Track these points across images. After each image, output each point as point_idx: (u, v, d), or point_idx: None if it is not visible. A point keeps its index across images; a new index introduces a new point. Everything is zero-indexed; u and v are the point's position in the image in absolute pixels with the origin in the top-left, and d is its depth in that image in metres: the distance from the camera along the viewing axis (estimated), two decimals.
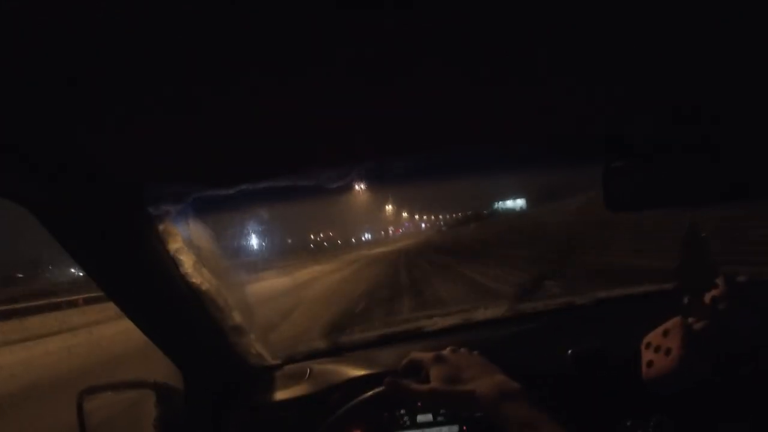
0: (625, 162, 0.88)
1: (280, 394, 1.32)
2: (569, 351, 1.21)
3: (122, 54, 0.51)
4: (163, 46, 0.50)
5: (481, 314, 1.59)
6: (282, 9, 0.47)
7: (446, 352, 0.98)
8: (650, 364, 0.95)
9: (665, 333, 0.94)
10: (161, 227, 1.03)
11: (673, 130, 0.89)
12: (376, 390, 1.16)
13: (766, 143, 0.84)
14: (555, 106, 0.83)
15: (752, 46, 0.65)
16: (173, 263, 1.06)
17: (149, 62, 0.53)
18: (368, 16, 0.49)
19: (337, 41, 0.54)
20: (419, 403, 1.20)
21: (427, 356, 0.97)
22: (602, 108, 0.85)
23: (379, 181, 1.20)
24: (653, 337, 0.97)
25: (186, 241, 1.09)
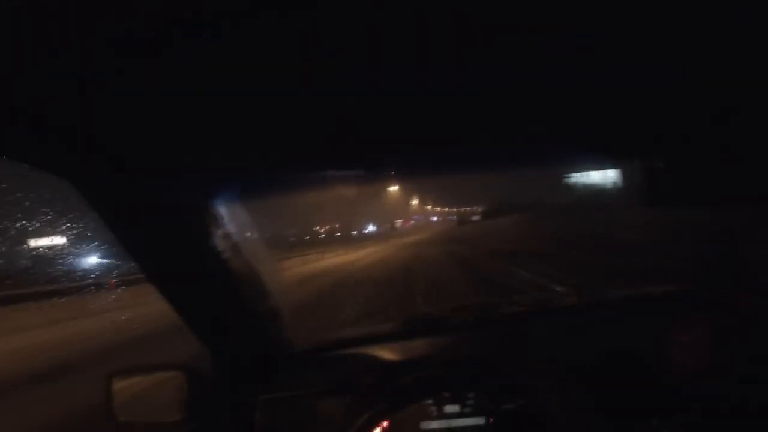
0: (663, 159, 0.88)
1: (309, 380, 1.34)
2: (598, 349, 1.21)
3: (166, 41, 0.52)
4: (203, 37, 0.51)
5: (509, 309, 1.59)
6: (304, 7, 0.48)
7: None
8: (682, 361, 0.95)
9: (692, 332, 0.94)
10: (203, 211, 1.05)
11: (704, 130, 0.88)
12: (405, 381, 1.18)
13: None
14: (595, 103, 0.82)
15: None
16: (213, 246, 1.09)
17: (192, 56, 0.54)
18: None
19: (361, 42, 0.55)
20: (447, 394, 1.21)
21: None
22: (643, 104, 0.84)
23: (407, 174, 1.21)
24: (679, 335, 0.96)
25: (226, 225, 1.11)
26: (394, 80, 0.68)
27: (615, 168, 1.25)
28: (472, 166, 1.27)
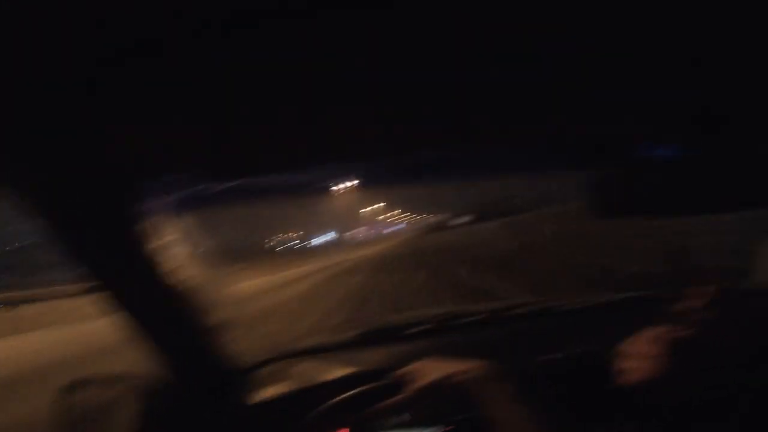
0: (612, 168, 0.90)
1: (264, 393, 1.32)
2: (552, 357, 1.23)
3: (115, 45, 0.51)
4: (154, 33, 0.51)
5: (467, 316, 1.59)
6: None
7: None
8: (627, 371, 0.96)
9: (643, 340, 0.96)
10: (151, 221, 1.02)
11: (664, 137, 0.91)
12: (358, 390, 1.17)
13: (759, 154, 0.85)
14: (542, 112, 0.84)
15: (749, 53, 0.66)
16: (162, 258, 1.06)
17: (142, 54, 0.53)
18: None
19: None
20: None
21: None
22: (591, 114, 0.86)
23: (369, 182, 1.21)
24: (631, 344, 0.98)
25: (176, 236, 1.08)
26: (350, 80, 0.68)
27: (578, 175, 1.27)
28: (433, 173, 1.28)
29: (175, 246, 1.08)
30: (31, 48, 0.48)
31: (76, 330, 11.68)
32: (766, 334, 0.89)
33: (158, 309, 1.12)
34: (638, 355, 0.96)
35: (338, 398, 1.23)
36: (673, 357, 0.90)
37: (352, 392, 1.23)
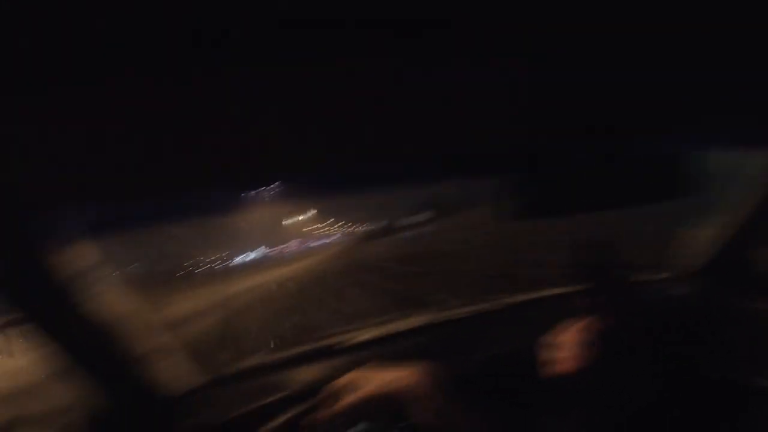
0: (518, 173, 0.93)
1: (209, 416, 1.28)
2: (475, 357, 1.26)
3: (37, 64, 0.48)
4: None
5: (395, 326, 1.61)
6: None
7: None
8: (553, 362, 1.01)
9: (563, 333, 1.00)
10: (72, 247, 0.97)
11: (567, 142, 0.95)
12: (303, 408, 1.15)
13: (657, 155, 0.92)
14: (452, 119, 0.86)
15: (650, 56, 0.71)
16: (86, 284, 1.01)
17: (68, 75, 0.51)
18: None
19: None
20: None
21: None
22: (498, 121, 0.89)
23: (293, 194, 1.19)
24: (552, 336, 1.03)
25: (95, 262, 1.03)
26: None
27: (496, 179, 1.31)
28: (359, 182, 1.28)
29: (95, 272, 1.02)
30: None
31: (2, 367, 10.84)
32: (676, 321, 0.95)
33: (84, 339, 1.06)
34: (562, 346, 1.00)
35: (276, 419, 1.21)
36: (594, 346, 0.94)
37: (291, 412, 1.21)
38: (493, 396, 1.20)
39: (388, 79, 0.67)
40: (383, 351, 1.49)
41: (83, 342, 1.06)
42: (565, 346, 1.00)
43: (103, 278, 1.05)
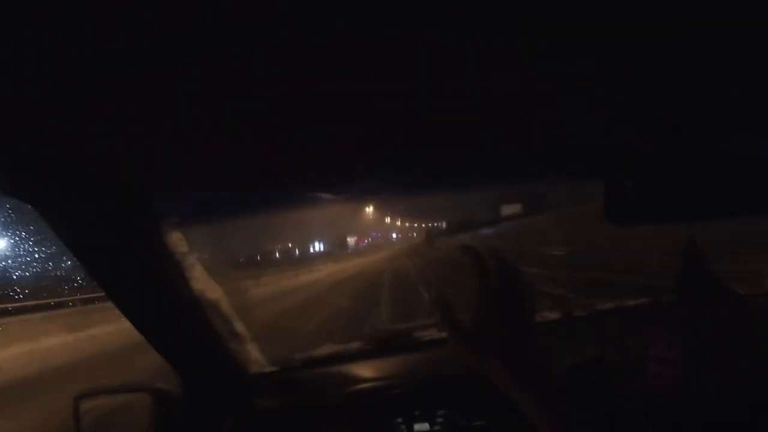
0: (628, 175, 0.89)
1: (279, 402, 1.32)
2: (565, 364, 1.22)
3: (132, 62, 0.51)
4: (172, 55, 0.51)
5: None
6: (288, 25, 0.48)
7: None
8: (654, 376, 0.95)
9: (668, 345, 0.95)
10: (168, 233, 1.03)
11: (677, 144, 0.90)
12: (374, 400, 1.17)
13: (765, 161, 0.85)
14: (557, 118, 0.83)
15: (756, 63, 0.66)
16: (177, 268, 1.07)
17: (159, 72, 0.54)
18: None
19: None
20: (417, 412, 1.21)
21: None
22: (607, 120, 0.86)
23: (382, 191, 1.21)
24: (656, 348, 0.97)
25: (191, 247, 1.09)
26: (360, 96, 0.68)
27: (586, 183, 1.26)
28: (441, 183, 1.28)
29: (187, 257, 1.08)
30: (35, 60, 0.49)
31: (91, 337, 11.90)
32: None
33: (171, 317, 1.13)
34: (661, 360, 0.95)
35: (349, 407, 1.23)
36: (695, 363, 0.89)
37: (363, 401, 1.23)
38: (576, 403, 1.16)
39: (481, 75, 0.66)
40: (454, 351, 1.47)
41: (170, 319, 1.13)
42: (665, 361, 0.94)
43: (191, 262, 1.11)
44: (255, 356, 1.37)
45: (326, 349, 1.56)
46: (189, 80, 0.58)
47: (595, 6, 0.50)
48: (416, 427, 1.21)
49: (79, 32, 0.45)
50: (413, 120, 0.79)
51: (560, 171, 1.20)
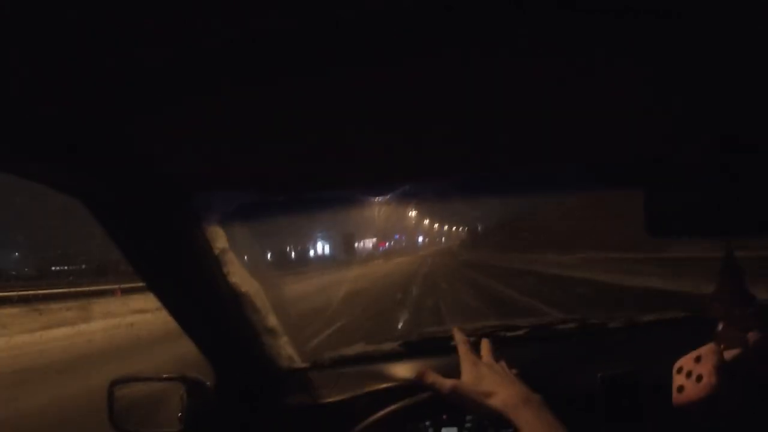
0: (669, 187, 0.88)
1: (308, 398, 1.34)
2: (598, 374, 1.20)
3: (179, 63, 0.53)
4: (218, 58, 0.52)
5: (509, 331, 1.57)
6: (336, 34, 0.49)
7: (478, 357, 1.02)
8: (681, 389, 0.94)
9: (698, 359, 0.93)
10: (207, 229, 1.06)
11: (720, 158, 0.89)
12: (403, 402, 1.17)
13: None
14: (599, 129, 0.83)
15: None
16: (216, 263, 1.10)
17: (205, 74, 0.56)
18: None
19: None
20: (444, 416, 1.21)
21: (462, 356, 1.08)
22: (648, 132, 0.85)
23: (420, 197, 1.22)
24: (685, 362, 0.96)
25: (230, 244, 1.12)
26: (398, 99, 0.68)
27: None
28: (479, 190, 1.28)
29: (227, 253, 1.11)
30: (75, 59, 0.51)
31: (129, 325, 12.27)
32: None
33: (208, 309, 1.16)
34: (687, 374, 0.93)
35: (378, 408, 1.24)
36: (724, 376, 0.87)
37: (391, 403, 1.24)
38: (598, 416, 1.15)
39: (523, 84, 0.66)
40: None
41: (203, 312, 1.16)
42: (693, 374, 0.93)
43: (230, 258, 1.13)
44: (287, 352, 1.39)
45: (357, 349, 1.57)
46: (237, 90, 0.60)
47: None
48: (444, 431, 1.21)
49: (148, 34, 0.47)
50: (457, 129, 0.80)
51: (601, 181, 1.19)
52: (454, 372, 1.32)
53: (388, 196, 1.12)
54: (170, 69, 0.54)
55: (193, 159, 0.87)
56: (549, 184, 1.25)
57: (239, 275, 1.15)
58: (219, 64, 0.53)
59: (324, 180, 1.04)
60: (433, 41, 0.51)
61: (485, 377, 1.02)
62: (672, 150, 0.92)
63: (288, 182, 1.03)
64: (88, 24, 0.44)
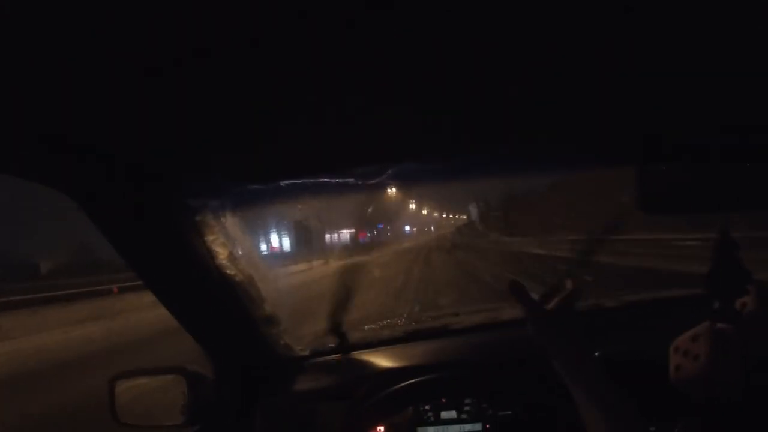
0: (661, 164, 0.88)
1: (308, 385, 1.35)
2: (596, 353, 1.21)
3: (164, 53, 0.52)
4: (202, 45, 0.51)
5: (507, 313, 1.58)
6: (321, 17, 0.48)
7: None
8: (678, 368, 0.94)
9: (694, 338, 0.93)
10: (199, 219, 1.06)
11: (712, 135, 0.88)
12: (402, 385, 1.18)
13: None
14: (593, 106, 0.82)
15: None
16: (209, 253, 1.09)
17: (191, 62, 0.55)
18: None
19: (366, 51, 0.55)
20: (443, 399, 1.22)
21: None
22: (642, 108, 0.84)
23: (407, 180, 1.21)
24: (682, 341, 0.96)
25: (222, 233, 1.12)
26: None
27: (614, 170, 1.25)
28: (474, 170, 1.27)
29: (220, 244, 1.11)
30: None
31: (128, 322, 12.32)
32: None
33: (204, 302, 1.16)
34: (684, 352, 0.94)
35: (377, 393, 1.24)
36: (720, 354, 0.88)
37: (390, 388, 1.24)
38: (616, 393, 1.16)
39: (513, 58, 0.65)
40: (493, 337, 1.48)
41: (200, 305, 1.16)
42: (690, 353, 0.93)
43: (224, 249, 1.13)
44: (286, 340, 1.39)
45: (356, 335, 1.58)
46: (224, 76, 0.59)
47: None
48: (443, 414, 1.22)
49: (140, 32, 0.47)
50: (455, 106, 0.79)
51: (595, 158, 1.19)
52: (447, 356, 1.33)
53: (372, 181, 1.10)
54: (155, 61, 0.53)
55: (182, 151, 0.86)
56: (541, 162, 1.24)
57: (233, 265, 1.15)
58: (201, 50, 0.52)
59: (310, 165, 1.03)
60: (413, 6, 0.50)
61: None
62: (664, 126, 0.92)
63: (272, 169, 1.02)
64: (76, 20, 0.44)
